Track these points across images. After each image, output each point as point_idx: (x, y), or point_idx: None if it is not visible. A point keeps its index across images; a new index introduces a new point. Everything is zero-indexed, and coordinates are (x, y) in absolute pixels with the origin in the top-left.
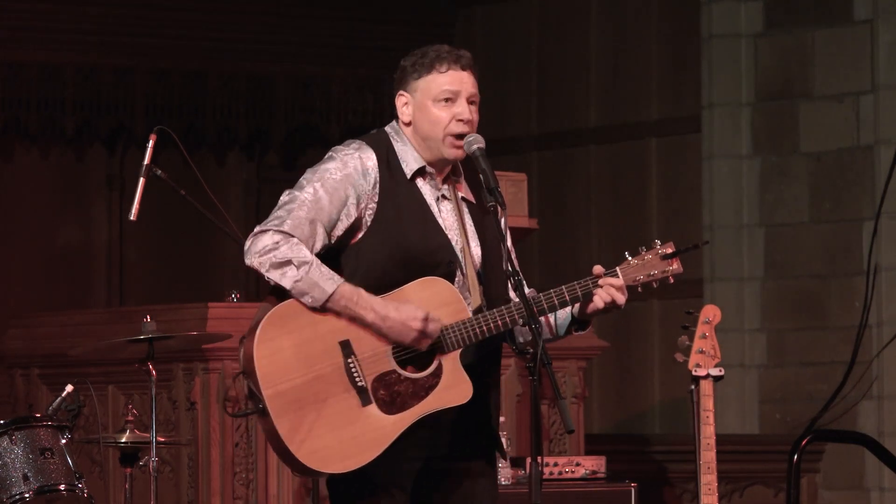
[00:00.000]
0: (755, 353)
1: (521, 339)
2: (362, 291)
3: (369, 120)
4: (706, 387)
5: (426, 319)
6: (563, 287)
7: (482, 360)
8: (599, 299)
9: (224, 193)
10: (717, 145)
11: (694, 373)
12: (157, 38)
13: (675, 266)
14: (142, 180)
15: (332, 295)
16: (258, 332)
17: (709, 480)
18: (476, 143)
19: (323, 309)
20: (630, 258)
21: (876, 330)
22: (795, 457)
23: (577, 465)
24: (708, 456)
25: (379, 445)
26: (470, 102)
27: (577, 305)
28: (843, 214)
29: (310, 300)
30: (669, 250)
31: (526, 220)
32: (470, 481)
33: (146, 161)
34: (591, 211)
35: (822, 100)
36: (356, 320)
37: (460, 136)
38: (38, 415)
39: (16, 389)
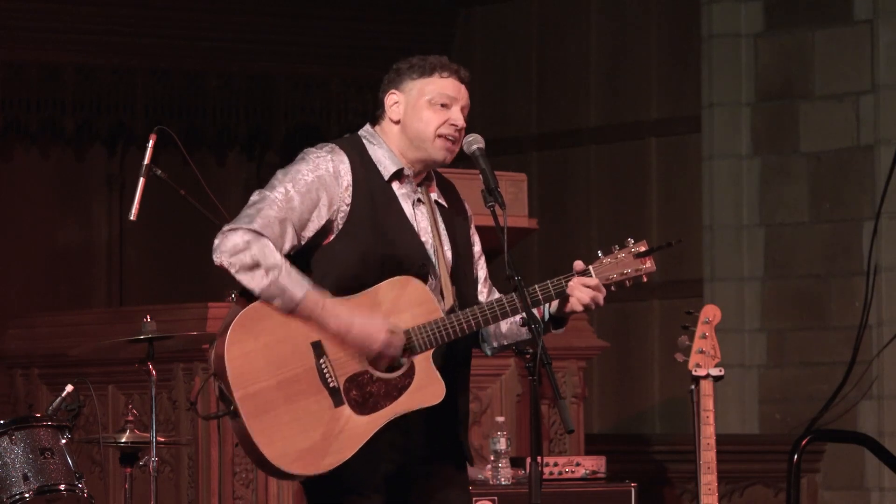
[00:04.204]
0: (755, 353)
1: (495, 344)
2: (328, 298)
3: (369, 120)
4: (706, 387)
5: (391, 333)
6: (537, 286)
7: (450, 364)
8: (577, 301)
9: (224, 193)
10: (717, 145)
11: (694, 373)
12: (157, 38)
13: (649, 265)
14: (142, 180)
15: (300, 301)
16: (229, 333)
17: (709, 480)
18: (476, 143)
19: (291, 314)
20: (603, 256)
21: (876, 330)
22: (795, 457)
23: (577, 465)
24: (708, 456)
25: (352, 446)
26: (462, 112)
27: (555, 304)
28: (843, 214)
29: (279, 304)
30: (643, 248)
31: (526, 220)
32: (444, 486)
33: (146, 161)
34: (591, 211)
35: (822, 100)
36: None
37: (451, 140)
38: (38, 415)
39: (16, 389)
